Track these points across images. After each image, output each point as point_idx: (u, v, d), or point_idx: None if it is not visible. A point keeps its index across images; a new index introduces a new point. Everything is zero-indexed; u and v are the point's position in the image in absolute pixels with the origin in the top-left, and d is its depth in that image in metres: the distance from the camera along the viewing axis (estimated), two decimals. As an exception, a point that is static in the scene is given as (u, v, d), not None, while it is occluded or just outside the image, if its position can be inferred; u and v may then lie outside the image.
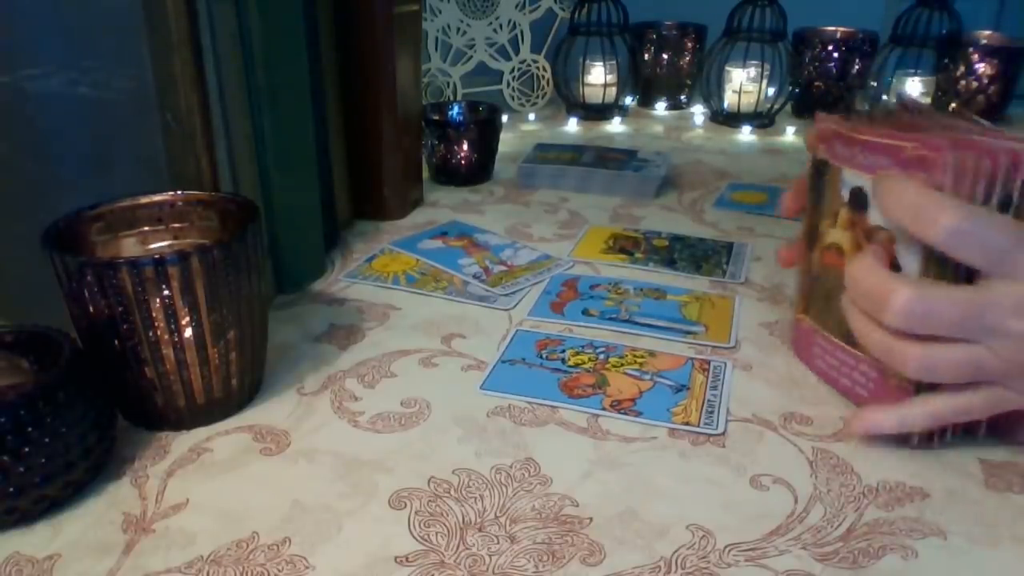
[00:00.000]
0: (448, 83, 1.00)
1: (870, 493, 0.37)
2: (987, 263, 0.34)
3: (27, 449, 0.33)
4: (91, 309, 0.37)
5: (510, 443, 0.40)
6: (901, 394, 0.39)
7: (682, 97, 1.10)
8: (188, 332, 0.38)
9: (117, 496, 0.37)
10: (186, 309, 0.38)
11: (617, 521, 0.35)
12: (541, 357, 0.48)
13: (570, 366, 0.47)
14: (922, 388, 0.38)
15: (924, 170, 0.36)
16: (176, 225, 0.44)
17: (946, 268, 0.36)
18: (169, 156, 0.45)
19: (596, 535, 0.34)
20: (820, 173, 0.43)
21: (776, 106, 1.00)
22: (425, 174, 0.76)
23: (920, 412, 0.38)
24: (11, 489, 0.33)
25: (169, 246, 0.44)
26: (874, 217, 0.39)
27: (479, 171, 0.79)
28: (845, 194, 0.41)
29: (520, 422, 0.42)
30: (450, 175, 0.78)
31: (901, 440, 0.40)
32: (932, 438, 0.40)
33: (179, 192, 0.44)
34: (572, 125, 1.01)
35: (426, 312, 0.54)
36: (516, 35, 1.03)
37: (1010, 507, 0.36)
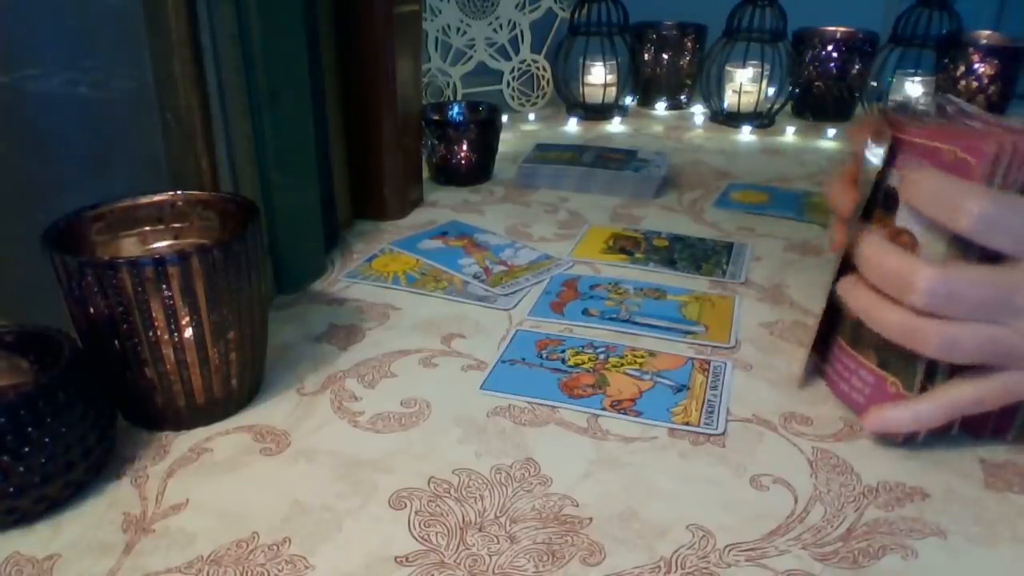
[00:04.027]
0: (448, 83, 1.00)
1: (870, 493, 0.37)
2: (1017, 247, 0.34)
3: (27, 449, 0.33)
4: (91, 309, 0.37)
5: (510, 443, 0.40)
6: (897, 399, 0.39)
7: (682, 97, 1.10)
8: (188, 332, 0.38)
9: (117, 496, 0.37)
10: (186, 309, 0.38)
11: (617, 521, 0.35)
12: (541, 357, 0.48)
13: (570, 366, 0.47)
14: (923, 389, 0.38)
15: (963, 175, 0.35)
16: (176, 225, 0.44)
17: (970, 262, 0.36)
18: (169, 156, 0.45)
19: (596, 535, 0.34)
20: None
21: (776, 106, 1.00)
22: (425, 174, 0.76)
23: (933, 406, 0.38)
24: (11, 489, 0.33)
25: (169, 246, 0.44)
26: (901, 219, 0.38)
27: (479, 171, 0.79)
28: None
29: (520, 422, 0.42)
30: (450, 175, 0.78)
31: (908, 438, 0.39)
32: (917, 435, 0.39)
33: (179, 192, 0.44)
34: (572, 125, 1.01)
35: (426, 312, 0.54)
36: (516, 35, 1.03)
37: (1010, 507, 0.36)
